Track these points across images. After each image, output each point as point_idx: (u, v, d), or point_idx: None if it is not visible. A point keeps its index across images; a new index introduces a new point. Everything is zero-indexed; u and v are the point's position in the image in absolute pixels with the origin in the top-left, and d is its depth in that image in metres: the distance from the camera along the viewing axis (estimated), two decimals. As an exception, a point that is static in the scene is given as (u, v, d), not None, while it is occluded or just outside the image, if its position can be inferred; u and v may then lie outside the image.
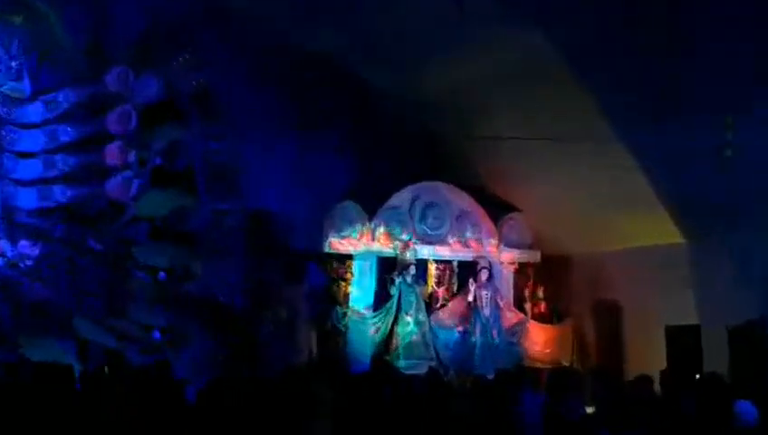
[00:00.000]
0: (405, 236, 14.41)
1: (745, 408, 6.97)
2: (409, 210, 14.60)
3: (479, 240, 14.95)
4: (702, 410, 6.87)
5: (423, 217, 14.65)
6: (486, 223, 15.08)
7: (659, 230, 12.91)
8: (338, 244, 13.96)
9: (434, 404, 8.30)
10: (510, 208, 15.23)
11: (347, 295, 13.92)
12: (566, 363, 14.23)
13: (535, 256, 15.14)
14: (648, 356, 12.79)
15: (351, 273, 14.00)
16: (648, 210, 12.56)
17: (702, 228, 12.39)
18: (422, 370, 12.58)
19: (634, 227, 13.23)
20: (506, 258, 15.01)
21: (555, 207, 14.23)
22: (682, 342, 12.76)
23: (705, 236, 12.41)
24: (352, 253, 14.06)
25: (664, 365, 11.98)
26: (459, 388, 13.38)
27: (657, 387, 8.83)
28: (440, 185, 14.86)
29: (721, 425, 6.68)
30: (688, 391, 7.66)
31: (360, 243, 14.11)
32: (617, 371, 13.02)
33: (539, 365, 13.95)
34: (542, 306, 15.05)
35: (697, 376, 10.28)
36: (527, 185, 14.48)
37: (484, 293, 14.41)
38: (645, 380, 8.89)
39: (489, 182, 15.09)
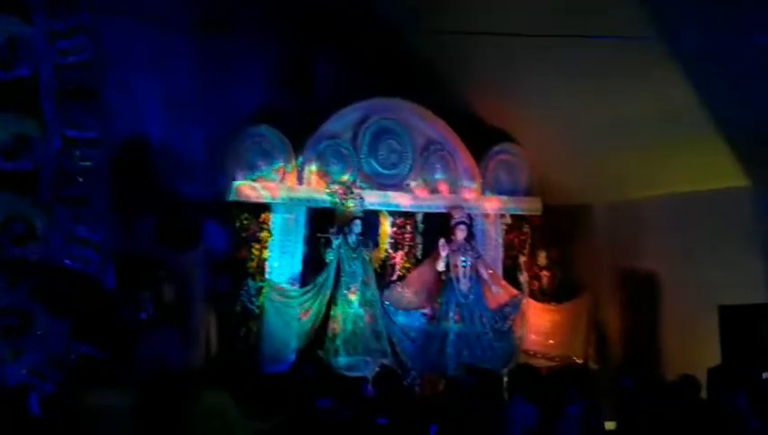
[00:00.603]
0: (347, 178, 14.45)
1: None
2: (354, 140, 14.61)
3: (454, 183, 15.04)
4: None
5: (374, 150, 14.68)
6: (465, 158, 15.13)
7: (715, 170, 13.10)
8: (249, 189, 13.91)
9: (388, 419, 8.51)
10: (500, 137, 15.28)
11: (263, 264, 13.90)
12: (578, 359, 14.49)
13: (535, 207, 15.28)
14: (694, 347, 13.09)
15: (269, 231, 13.96)
16: (698, 141, 12.73)
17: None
18: (371, 370, 12.68)
19: (678, 165, 13.42)
20: (493, 209, 15.12)
21: (565, 136, 14.32)
22: (744, 327, 13.00)
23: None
24: (270, 202, 14.02)
25: (717, 360, 12.20)
26: (425, 396, 13.68)
27: (705, 392, 9.03)
28: (400, 104, 14.88)
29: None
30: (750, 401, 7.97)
31: (281, 187, 14.09)
32: (650, 369, 13.27)
33: (540, 362, 14.16)
34: (545, 278, 15.24)
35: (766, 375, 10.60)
36: (525, 103, 14.48)
37: (460, 259, 14.48)
38: (690, 383, 9.09)
39: (470, 100, 15.12)
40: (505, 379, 11.62)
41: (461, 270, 14.45)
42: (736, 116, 12.31)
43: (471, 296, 14.46)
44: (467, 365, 11.63)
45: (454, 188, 15.05)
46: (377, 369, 12.17)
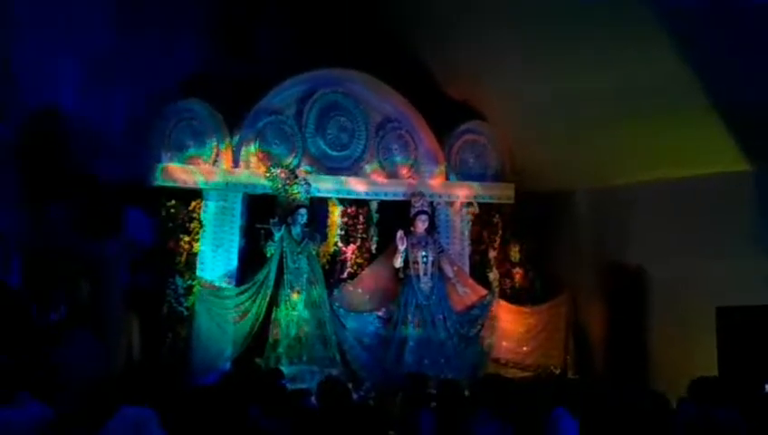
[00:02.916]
0: (291, 160, 14.41)
1: None
2: (298, 116, 14.62)
3: (415, 167, 15.04)
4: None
5: (321, 128, 14.69)
6: (427, 138, 15.11)
7: (711, 152, 13.11)
8: (177, 172, 13.87)
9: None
10: (467, 115, 15.28)
11: (193, 259, 13.83)
12: (556, 369, 14.42)
13: (507, 194, 15.27)
14: (688, 353, 13.09)
15: (200, 221, 13.91)
16: (693, 121, 12.75)
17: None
18: (316, 381, 12.44)
19: (670, 147, 13.42)
20: (459, 197, 15.10)
21: (541, 113, 14.25)
22: (742, 326, 13.12)
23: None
24: (202, 187, 14.00)
25: (714, 370, 12.30)
26: (379, 412, 13.43)
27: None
28: (352, 75, 14.88)
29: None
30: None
31: (214, 171, 14.06)
32: (638, 380, 13.24)
33: (513, 372, 14.03)
34: (518, 276, 15.19)
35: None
36: (496, 75, 14.41)
37: (421, 254, 14.41)
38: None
39: (433, 71, 15.13)
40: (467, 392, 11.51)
41: (422, 267, 14.38)
42: (736, 93, 12.30)
43: (433, 297, 14.36)
44: (412, 375, 11.55)
45: (414, 173, 15.05)
46: (324, 380, 11.97)
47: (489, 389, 9.81)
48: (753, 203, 13.10)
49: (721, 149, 12.95)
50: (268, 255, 13.91)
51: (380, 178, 14.90)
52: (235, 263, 14.08)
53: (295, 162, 14.43)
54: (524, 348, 14.67)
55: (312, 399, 10.55)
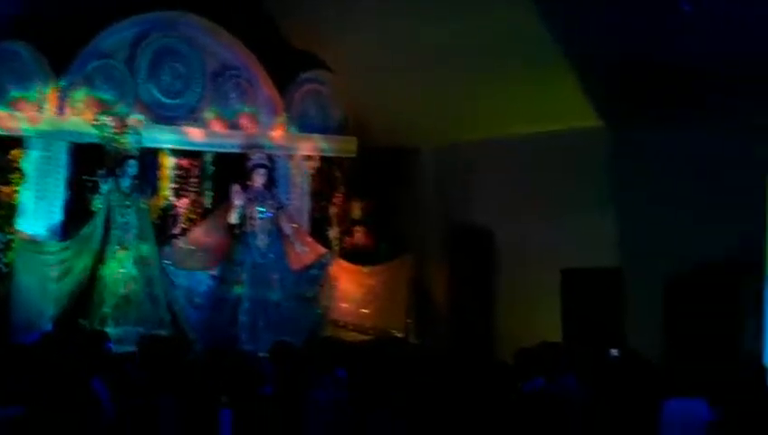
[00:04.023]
0: (121, 107, 14.15)
1: (693, 408, 7.44)
2: (130, 61, 14.37)
3: (253, 117, 14.94)
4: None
5: (154, 74, 14.46)
6: (267, 87, 15.04)
7: (561, 108, 13.22)
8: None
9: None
10: (309, 63, 15.25)
11: (12, 211, 13.58)
12: (397, 332, 14.51)
13: (350, 148, 15.35)
14: (534, 316, 13.33)
15: (21, 170, 13.65)
16: (543, 75, 12.86)
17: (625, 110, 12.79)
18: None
19: (519, 102, 13.53)
20: (300, 150, 15.13)
21: (387, 64, 14.24)
22: (587, 290, 13.24)
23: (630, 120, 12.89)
24: (23, 134, 13.71)
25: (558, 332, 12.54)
26: (212, 374, 13.37)
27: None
28: (188, 19, 14.69)
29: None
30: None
31: (37, 117, 13.74)
32: (483, 344, 13.51)
33: (353, 335, 14.17)
34: (360, 234, 15.30)
35: (614, 352, 10.79)
36: (340, 21, 14.36)
37: (258, 210, 14.37)
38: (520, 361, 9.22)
39: (274, 16, 15.06)
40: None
41: (258, 223, 14.34)
42: (587, 48, 12.44)
43: (270, 255, 14.38)
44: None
45: (252, 124, 14.96)
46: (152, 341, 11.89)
47: (324, 352, 9.85)
48: (603, 161, 13.26)
49: (572, 105, 13.08)
50: (94, 209, 13.73)
51: (217, 129, 14.78)
52: (58, 216, 13.86)
53: (126, 110, 14.17)
54: (364, 310, 14.77)
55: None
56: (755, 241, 11.97)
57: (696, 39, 11.55)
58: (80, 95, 14.02)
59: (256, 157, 14.51)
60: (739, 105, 11.95)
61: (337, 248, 15.02)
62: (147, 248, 13.89)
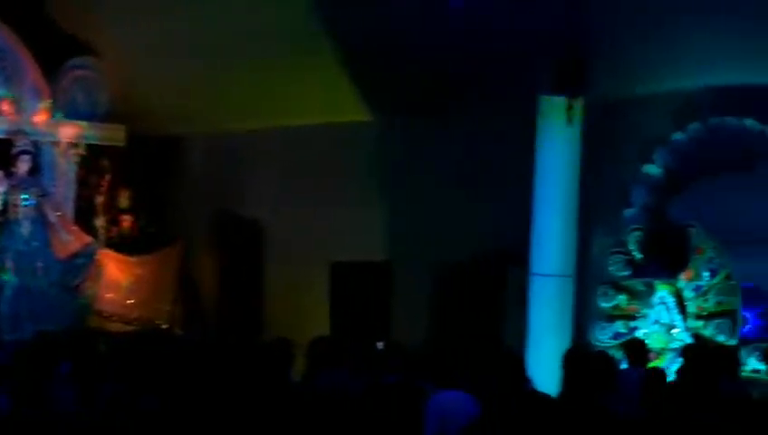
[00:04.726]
0: None
1: (459, 401, 7.57)
2: None
3: (18, 102, 14.63)
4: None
5: None
6: (32, 72, 14.74)
7: (332, 100, 13.50)
8: None
9: None
10: (77, 49, 15.01)
11: None
12: (163, 323, 14.50)
13: (118, 136, 15.15)
14: (303, 307, 13.60)
15: None
16: (313, 67, 13.06)
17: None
18: None
19: (289, 94, 13.74)
20: (66, 137, 14.83)
21: (156, 51, 14.25)
22: (356, 283, 13.64)
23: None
24: None
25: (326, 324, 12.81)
26: None
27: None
28: None
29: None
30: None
31: None
32: (251, 337, 13.38)
33: (117, 326, 14.10)
34: (126, 223, 15.24)
35: (380, 345, 11.02)
36: (110, 7, 14.28)
37: (21, 197, 14.12)
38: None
39: (46, 2, 14.84)
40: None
41: (22, 210, 14.09)
42: (357, 42, 12.69)
43: (34, 243, 14.16)
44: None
45: (17, 109, 14.59)
46: None
47: (75, 344, 9.71)
48: (371, 155, 13.52)
49: (340, 99, 13.36)
50: None
51: (-23, 113, 14.33)
52: None
53: None
54: (130, 300, 14.65)
55: None
56: (523, 233, 12.25)
57: (456, 31, 11.78)
58: None
59: (21, 143, 14.22)
60: (498, 93, 12.23)
61: (103, 237, 14.81)
62: None
